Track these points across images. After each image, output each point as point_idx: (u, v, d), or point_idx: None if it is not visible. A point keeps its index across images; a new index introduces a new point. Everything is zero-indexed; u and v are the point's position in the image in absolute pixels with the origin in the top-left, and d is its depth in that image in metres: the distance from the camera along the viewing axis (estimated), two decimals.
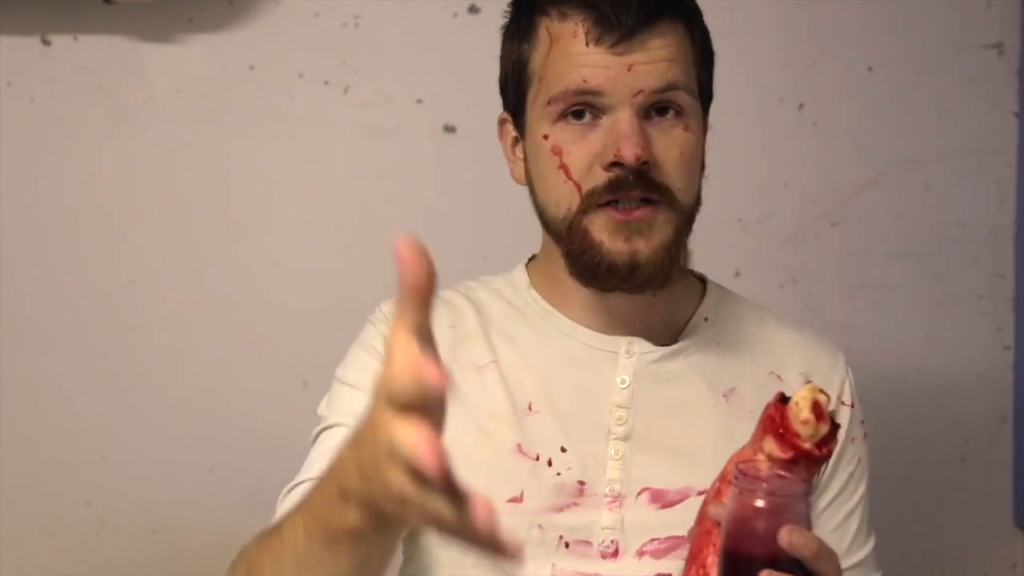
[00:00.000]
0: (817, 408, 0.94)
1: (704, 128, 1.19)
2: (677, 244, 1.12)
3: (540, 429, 1.14)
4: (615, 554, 1.12)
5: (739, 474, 0.92)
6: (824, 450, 0.94)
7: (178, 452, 1.71)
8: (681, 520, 1.11)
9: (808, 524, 0.92)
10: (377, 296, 1.70)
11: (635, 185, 1.09)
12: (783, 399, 0.96)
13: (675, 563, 1.12)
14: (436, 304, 1.20)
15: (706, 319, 1.21)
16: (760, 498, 0.91)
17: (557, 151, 1.11)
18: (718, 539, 0.94)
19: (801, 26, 1.74)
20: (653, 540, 1.13)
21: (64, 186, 1.70)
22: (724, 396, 1.17)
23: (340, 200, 1.73)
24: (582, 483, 1.13)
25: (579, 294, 1.17)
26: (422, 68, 1.72)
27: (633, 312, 1.16)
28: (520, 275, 1.23)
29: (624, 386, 1.15)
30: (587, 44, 1.09)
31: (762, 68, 1.73)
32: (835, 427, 0.95)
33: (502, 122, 1.21)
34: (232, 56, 1.70)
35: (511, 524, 1.12)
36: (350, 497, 0.81)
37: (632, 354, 1.16)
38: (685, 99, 1.12)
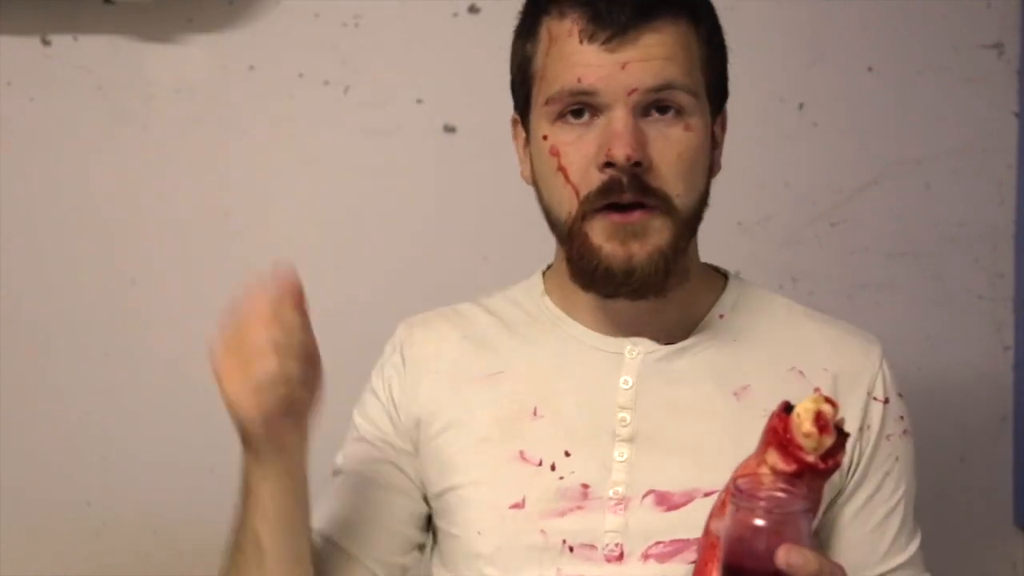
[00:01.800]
0: (820, 420, 0.92)
1: (723, 126, 1.19)
2: (675, 249, 1.10)
3: (544, 434, 1.14)
4: (620, 558, 1.11)
5: (736, 491, 0.90)
6: (829, 463, 0.92)
7: (178, 452, 1.71)
8: (687, 523, 1.10)
9: (809, 542, 0.90)
10: (377, 296, 1.71)
11: (628, 188, 1.07)
12: (787, 408, 0.94)
13: (680, 567, 1.11)
14: (448, 315, 1.23)
15: (721, 316, 1.19)
16: (758, 516, 0.89)
17: (555, 152, 1.11)
18: (721, 553, 0.92)
19: (801, 26, 1.74)
20: (658, 543, 1.11)
21: (64, 186, 1.70)
22: (735, 394, 1.15)
23: (340, 200, 1.73)
24: (586, 486, 1.12)
25: (586, 299, 1.16)
26: (422, 68, 1.72)
27: (639, 316, 1.15)
28: (536, 281, 1.24)
29: (627, 387, 1.14)
30: (581, 42, 1.09)
31: (762, 68, 1.73)
32: (842, 438, 0.93)
33: (514, 123, 1.20)
34: (232, 56, 1.70)
35: (513, 529, 1.12)
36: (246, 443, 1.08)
37: (636, 354, 1.16)
38: (684, 98, 1.10)
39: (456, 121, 1.72)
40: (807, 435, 0.91)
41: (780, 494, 0.90)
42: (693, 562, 1.09)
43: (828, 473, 0.93)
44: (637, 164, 1.07)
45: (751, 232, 1.75)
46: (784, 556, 0.88)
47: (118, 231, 1.71)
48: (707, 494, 1.11)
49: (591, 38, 1.08)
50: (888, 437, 1.18)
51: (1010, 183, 1.77)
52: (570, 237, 1.11)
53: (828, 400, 0.94)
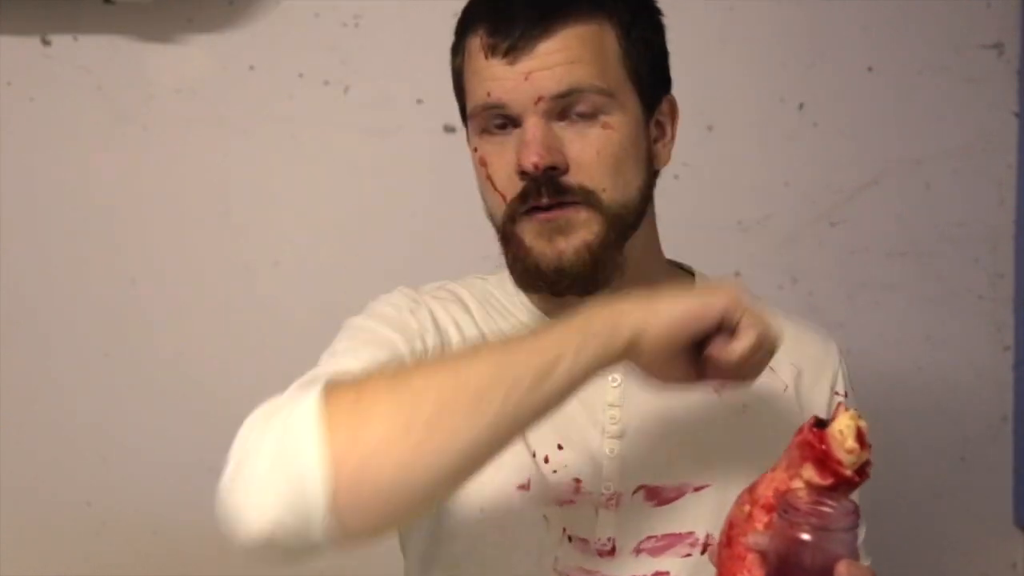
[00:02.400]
0: (860, 436, 0.93)
1: (671, 114, 1.17)
2: (604, 244, 1.10)
3: (537, 427, 1.14)
4: (612, 552, 1.12)
5: (787, 507, 0.92)
6: (864, 475, 0.94)
7: (178, 452, 1.71)
8: (678, 517, 1.12)
9: (857, 555, 0.93)
10: (377, 296, 1.70)
11: (545, 193, 1.09)
12: (818, 423, 0.95)
13: (673, 560, 1.12)
14: (436, 294, 1.21)
15: None
16: (808, 532, 0.91)
17: (483, 163, 1.13)
18: (754, 567, 0.94)
19: (801, 26, 1.74)
20: (650, 538, 1.12)
21: (64, 186, 1.70)
22: (715, 391, 1.15)
23: (340, 200, 1.73)
24: (578, 481, 1.13)
25: (548, 306, 1.17)
26: (422, 68, 1.72)
27: None
28: (506, 279, 1.22)
29: (615, 384, 1.15)
30: (486, 57, 1.10)
31: (762, 68, 1.73)
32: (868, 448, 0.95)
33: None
34: (232, 56, 1.70)
35: (521, 509, 1.12)
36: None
37: None
38: (595, 99, 1.10)
39: (456, 121, 1.71)
40: (850, 451, 0.93)
41: (829, 510, 0.92)
42: (686, 555, 1.11)
43: (859, 484, 0.95)
44: (552, 168, 1.08)
45: (751, 232, 1.75)
46: (845, 571, 0.89)
47: (118, 231, 1.71)
48: (697, 488, 1.12)
49: (493, 52, 1.10)
50: None
51: (1010, 183, 1.77)
52: (504, 241, 1.14)
53: (861, 416, 0.96)
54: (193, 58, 1.70)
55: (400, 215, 1.73)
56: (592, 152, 1.09)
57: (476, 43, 1.11)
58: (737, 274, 1.61)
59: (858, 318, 1.76)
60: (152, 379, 1.72)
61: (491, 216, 1.16)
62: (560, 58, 1.09)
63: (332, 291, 1.73)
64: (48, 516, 1.72)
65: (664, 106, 1.17)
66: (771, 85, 1.74)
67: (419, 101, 1.72)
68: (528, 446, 1.13)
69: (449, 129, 1.72)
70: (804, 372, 1.19)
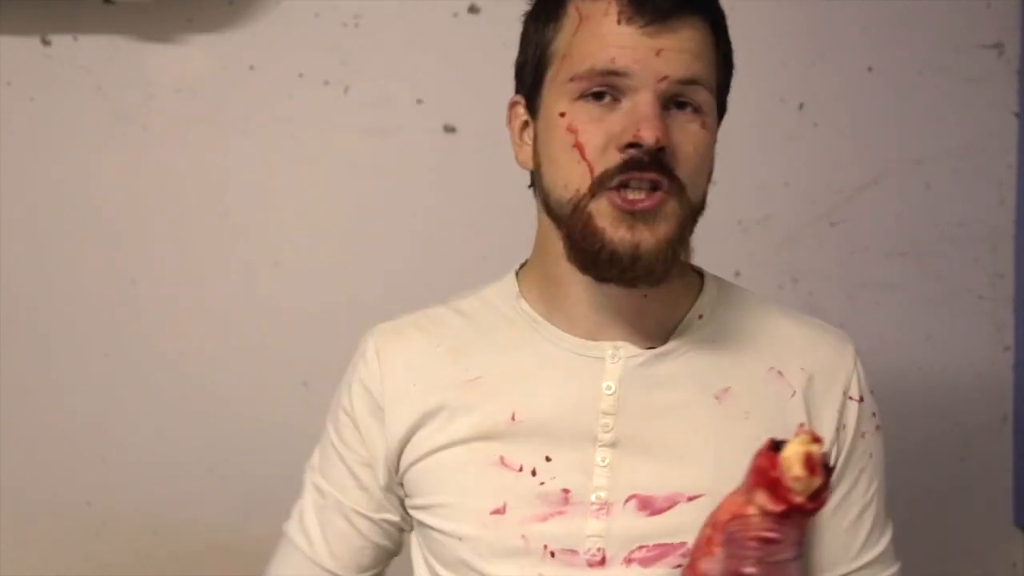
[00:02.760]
0: (810, 462, 0.91)
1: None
2: (681, 240, 1.10)
3: (524, 439, 1.13)
4: (602, 562, 1.11)
5: (730, 537, 0.90)
6: (818, 502, 0.92)
7: (178, 452, 1.71)
8: (669, 527, 1.10)
9: None
10: (377, 296, 1.71)
11: (650, 167, 1.07)
12: (774, 446, 0.93)
13: (664, 571, 1.10)
14: (420, 320, 1.21)
15: (700, 316, 1.18)
16: (751, 565, 0.90)
17: (573, 129, 1.09)
18: None
19: (801, 26, 1.74)
20: (641, 548, 1.10)
21: (64, 186, 1.70)
22: (716, 397, 1.14)
23: (340, 200, 1.73)
24: (567, 491, 1.12)
25: (571, 291, 1.15)
26: (422, 68, 1.72)
27: (626, 308, 1.14)
28: (510, 284, 1.21)
29: (610, 392, 1.13)
30: (619, 23, 1.08)
31: (762, 68, 1.73)
32: (829, 474, 0.93)
33: (512, 105, 1.19)
34: (232, 56, 1.70)
35: (495, 535, 1.12)
36: None
37: (618, 359, 1.14)
38: (705, 96, 1.11)
39: (456, 121, 1.72)
40: (796, 479, 0.91)
41: (771, 543, 0.91)
42: (678, 566, 1.09)
43: (815, 512, 0.93)
44: (662, 149, 1.07)
45: (751, 232, 1.75)
46: None
47: (118, 231, 1.71)
48: (690, 498, 1.10)
49: (629, 20, 1.08)
50: (863, 435, 1.18)
51: (1010, 183, 1.77)
52: (573, 215, 1.10)
53: (815, 438, 0.93)
54: (193, 58, 1.70)
55: (400, 215, 1.73)
56: (691, 146, 1.09)
57: (602, 7, 1.09)
58: (737, 274, 1.60)
59: (858, 318, 1.76)
60: (152, 379, 1.72)
61: (557, 188, 1.11)
62: (692, 45, 1.09)
63: (332, 291, 1.73)
64: (48, 516, 1.72)
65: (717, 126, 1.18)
66: (771, 85, 1.74)
67: (419, 101, 1.72)
68: (512, 464, 1.13)
69: (449, 129, 1.72)
70: (816, 377, 1.16)
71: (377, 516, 1.20)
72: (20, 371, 1.71)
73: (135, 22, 1.68)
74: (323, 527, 1.21)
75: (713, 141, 1.13)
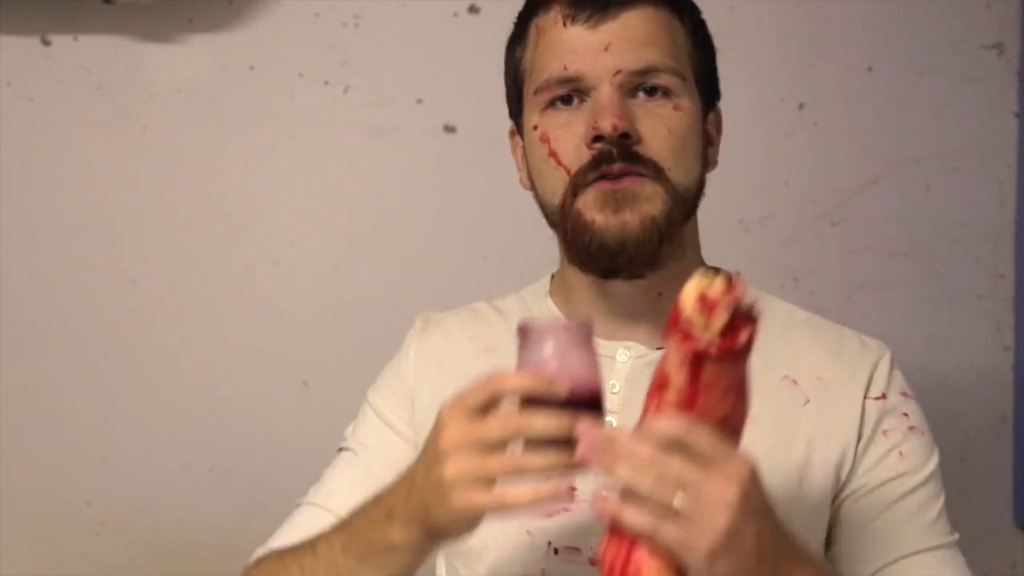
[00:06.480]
0: (704, 301, 0.86)
1: (717, 125, 1.19)
2: (669, 220, 1.10)
3: None
4: None
5: (518, 331, 0.92)
6: (730, 341, 0.86)
7: (178, 452, 1.71)
8: None
9: (592, 367, 0.91)
10: (377, 295, 1.71)
11: (618, 158, 1.08)
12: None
13: None
14: (461, 314, 1.22)
15: None
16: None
17: (545, 138, 1.12)
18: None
19: (801, 26, 1.74)
20: None
21: (64, 186, 1.70)
22: None
23: (340, 200, 1.73)
24: (573, 488, 1.12)
25: (584, 294, 1.16)
26: (422, 68, 1.72)
27: (641, 309, 1.15)
28: (544, 283, 1.24)
29: (615, 391, 1.14)
30: (564, 26, 1.11)
31: (762, 68, 1.73)
32: (744, 319, 0.88)
33: (511, 134, 1.22)
34: (232, 56, 1.70)
35: (499, 530, 1.12)
36: (395, 516, 0.97)
37: (626, 359, 1.15)
38: (670, 79, 1.11)
39: (456, 121, 1.72)
40: (690, 319, 0.86)
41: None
42: None
43: (727, 356, 0.87)
44: (625, 136, 1.08)
45: (752, 231, 1.75)
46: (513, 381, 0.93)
47: (118, 231, 1.71)
48: None
49: (574, 20, 1.10)
50: (885, 432, 1.17)
51: (1010, 183, 1.77)
52: (563, 217, 1.11)
53: (730, 279, 0.88)
54: (193, 58, 1.70)
55: (400, 215, 1.73)
56: (664, 129, 1.10)
57: (551, 17, 1.12)
58: (738, 273, 1.60)
59: (858, 318, 1.75)
60: (152, 379, 1.72)
61: (547, 198, 1.14)
62: (641, 33, 1.10)
63: (332, 291, 1.73)
64: (48, 516, 1.72)
65: (712, 116, 1.19)
66: (771, 85, 1.74)
67: (419, 101, 1.72)
68: None
69: (449, 129, 1.72)
70: (831, 385, 1.16)
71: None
72: (20, 371, 1.71)
73: (135, 22, 1.68)
74: (348, 482, 1.18)
75: (692, 121, 1.12)
